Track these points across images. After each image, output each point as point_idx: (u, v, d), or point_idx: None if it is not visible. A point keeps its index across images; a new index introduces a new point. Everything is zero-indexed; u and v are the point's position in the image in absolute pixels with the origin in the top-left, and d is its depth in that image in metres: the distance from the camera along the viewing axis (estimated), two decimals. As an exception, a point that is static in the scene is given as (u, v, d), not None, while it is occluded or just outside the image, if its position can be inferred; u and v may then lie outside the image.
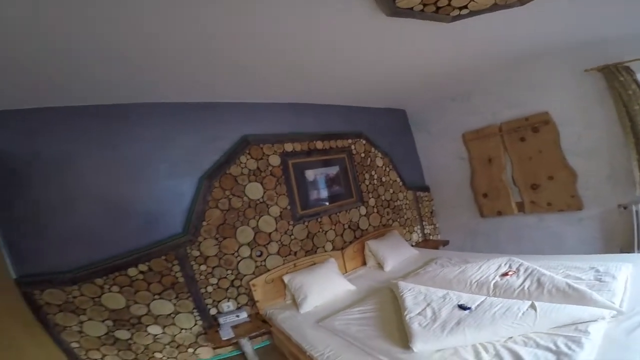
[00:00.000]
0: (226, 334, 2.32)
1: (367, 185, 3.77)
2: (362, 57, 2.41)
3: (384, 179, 3.96)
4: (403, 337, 1.69)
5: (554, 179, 3.36)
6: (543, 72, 3.11)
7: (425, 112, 4.30)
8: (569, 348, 1.30)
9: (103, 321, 2.24)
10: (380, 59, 2.52)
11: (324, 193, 3.39)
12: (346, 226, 3.48)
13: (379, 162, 3.96)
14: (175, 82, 2.33)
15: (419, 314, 1.83)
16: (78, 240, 2.24)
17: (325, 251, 3.23)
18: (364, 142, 3.84)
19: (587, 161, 3.05)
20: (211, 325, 2.55)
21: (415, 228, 4.23)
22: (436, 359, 1.48)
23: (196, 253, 2.58)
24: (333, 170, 3.48)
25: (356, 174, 3.67)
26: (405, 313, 1.86)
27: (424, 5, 1.66)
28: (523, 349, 1.39)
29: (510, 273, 2.19)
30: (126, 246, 2.36)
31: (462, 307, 1.83)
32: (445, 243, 4.08)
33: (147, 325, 2.36)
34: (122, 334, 2.29)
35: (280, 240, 2.99)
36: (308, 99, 3.34)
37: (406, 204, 4.17)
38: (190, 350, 2.51)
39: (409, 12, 1.71)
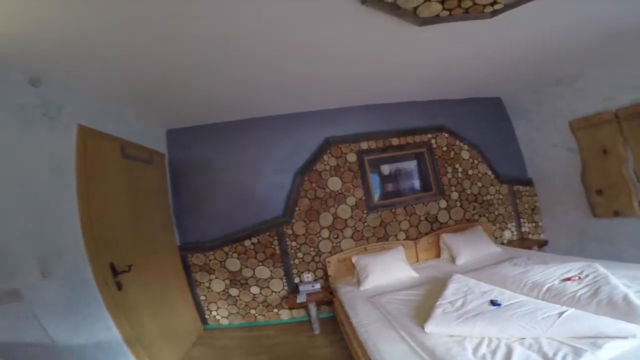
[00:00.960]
0: (301, 298, 3.00)
1: (450, 179, 3.78)
2: (421, 60, 2.60)
3: (470, 172, 3.85)
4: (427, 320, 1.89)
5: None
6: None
7: (524, 98, 3.88)
8: (563, 359, 1.30)
9: (223, 280, 3.27)
10: (446, 57, 2.61)
11: (400, 186, 3.64)
12: (422, 218, 3.64)
13: (465, 154, 3.86)
14: (280, 100, 3.10)
15: (450, 302, 1.98)
16: (215, 219, 3.31)
17: (398, 239, 3.52)
18: (446, 135, 3.84)
19: None
20: (293, 291, 3.28)
21: (509, 225, 3.92)
22: (443, 342, 1.63)
23: (289, 232, 3.35)
24: (410, 165, 3.68)
25: (437, 167, 3.73)
26: (439, 299, 2.04)
27: (450, 10, 1.79)
28: (522, 349, 1.43)
29: (573, 278, 2.04)
30: (244, 224, 3.32)
31: (493, 303, 1.87)
32: (542, 243, 3.67)
33: (250, 286, 3.29)
34: (233, 292, 3.29)
35: (354, 226, 3.47)
36: (385, 100, 3.61)
37: (499, 198, 3.91)
38: (275, 310, 3.32)
39: (437, 19, 1.87)
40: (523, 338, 1.53)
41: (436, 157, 3.75)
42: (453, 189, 3.77)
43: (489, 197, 3.88)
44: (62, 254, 1.93)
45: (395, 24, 1.92)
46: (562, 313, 1.57)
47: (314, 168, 3.45)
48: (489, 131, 4.00)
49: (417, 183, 3.70)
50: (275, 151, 3.43)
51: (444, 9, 1.78)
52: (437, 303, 2.01)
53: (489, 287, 2.16)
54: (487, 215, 3.84)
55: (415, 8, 1.76)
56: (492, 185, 3.91)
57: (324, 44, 2.11)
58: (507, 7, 1.81)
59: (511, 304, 1.81)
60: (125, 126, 2.68)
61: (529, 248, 3.47)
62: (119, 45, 1.81)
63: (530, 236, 3.97)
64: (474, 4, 1.77)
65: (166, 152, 3.28)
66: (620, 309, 1.56)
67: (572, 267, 2.21)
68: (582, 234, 3.55)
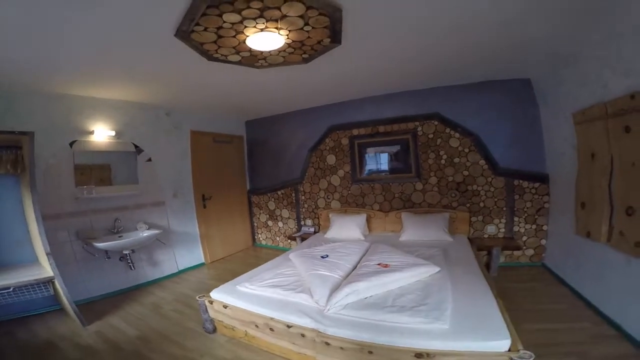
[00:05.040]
0: (297, 234, 4.60)
1: (430, 164, 3.83)
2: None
3: (456, 160, 3.68)
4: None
5: (654, 209, 1.92)
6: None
7: (548, 80, 3.07)
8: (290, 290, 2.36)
9: (266, 214, 5.31)
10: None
11: (381, 166, 4.19)
12: (396, 196, 4.07)
13: (454, 142, 3.68)
14: (305, 99, 4.28)
15: (317, 249, 3.14)
16: (266, 175, 5.28)
17: (372, 209, 4.22)
18: (435, 123, 3.77)
19: None
20: (299, 230, 4.88)
21: (496, 220, 3.54)
22: (286, 264, 2.89)
23: (301, 189, 4.88)
24: (393, 149, 4.06)
25: (419, 153, 3.88)
26: (319, 247, 3.23)
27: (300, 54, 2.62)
28: (293, 279, 2.51)
29: (382, 265, 2.54)
30: (279, 180, 5.10)
31: (322, 257, 2.88)
32: (512, 247, 3.32)
33: (278, 221, 5.17)
34: (270, 223, 5.28)
35: (341, 192, 4.49)
36: (379, 92, 4.02)
37: (489, 191, 3.55)
38: (289, 241, 5.00)
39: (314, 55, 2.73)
40: (301, 278, 2.55)
41: (420, 143, 3.87)
42: (432, 174, 3.84)
43: (476, 187, 3.62)
44: (182, 187, 4.50)
45: (286, 67, 2.86)
46: (320, 274, 2.44)
47: (319, 148, 4.63)
48: (503, 118, 3.51)
49: (397, 165, 4.07)
50: (298, 134, 4.84)
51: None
52: (316, 247, 3.22)
53: (350, 252, 3.02)
54: (468, 205, 3.67)
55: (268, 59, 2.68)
56: (482, 175, 3.58)
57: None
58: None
59: (327, 261, 2.75)
60: (215, 124, 4.98)
61: (487, 250, 3.33)
62: (209, 95, 3.82)
63: (524, 239, 3.45)
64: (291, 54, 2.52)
65: (244, 134, 5.47)
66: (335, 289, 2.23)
67: (413, 262, 2.57)
68: (566, 250, 2.94)
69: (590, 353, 1.96)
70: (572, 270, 2.85)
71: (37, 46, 2.11)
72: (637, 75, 1.98)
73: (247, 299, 2.38)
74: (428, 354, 1.62)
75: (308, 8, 1.80)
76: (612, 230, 2.28)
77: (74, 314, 2.67)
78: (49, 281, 2.60)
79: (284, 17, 1.88)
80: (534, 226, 3.44)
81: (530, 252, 3.45)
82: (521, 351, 1.52)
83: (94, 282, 3.40)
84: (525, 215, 3.46)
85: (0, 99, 2.78)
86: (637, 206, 2.04)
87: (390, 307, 2.02)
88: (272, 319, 2.13)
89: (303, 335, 1.95)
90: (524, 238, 3.49)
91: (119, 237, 3.48)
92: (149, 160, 4.09)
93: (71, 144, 3.29)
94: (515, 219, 3.50)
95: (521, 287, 3.01)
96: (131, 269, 3.61)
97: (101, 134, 3.52)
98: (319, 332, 1.92)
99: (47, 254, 2.51)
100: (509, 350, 1.57)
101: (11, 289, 2.37)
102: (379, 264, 2.60)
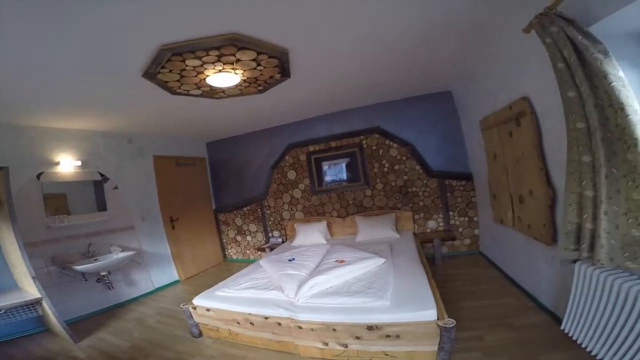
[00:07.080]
0: (267, 245, 4.83)
1: (376, 172, 4.33)
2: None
3: (397, 167, 4.22)
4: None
5: (533, 195, 2.50)
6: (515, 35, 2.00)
7: (462, 92, 3.72)
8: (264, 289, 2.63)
9: (234, 230, 5.45)
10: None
11: (335, 177, 4.61)
12: (350, 202, 4.51)
13: (393, 152, 4.23)
14: (263, 120, 4.60)
15: (285, 254, 3.42)
16: (231, 193, 5.43)
17: (332, 216, 4.61)
18: (377, 136, 4.29)
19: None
20: (267, 241, 5.11)
21: (435, 216, 4.11)
22: (259, 269, 3.15)
23: (266, 204, 5.12)
24: (344, 162, 4.52)
25: (365, 163, 4.37)
26: (287, 252, 3.52)
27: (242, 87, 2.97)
28: (263, 281, 2.78)
29: (339, 261, 2.90)
30: (244, 197, 5.29)
31: (289, 260, 3.17)
32: (449, 238, 3.86)
33: (247, 236, 5.34)
34: (239, 238, 5.44)
35: (303, 204, 4.83)
36: (331, 110, 4.44)
37: (426, 191, 4.12)
38: (259, 252, 5.18)
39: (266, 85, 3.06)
40: (272, 279, 2.85)
41: (365, 154, 4.36)
42: (378, 180, 4.33)
43: (414, 189, 4.18)
44: (150, 210, 4.52)
45: (244, 97, 3.24)
46: (288, 273, 2.75)
47: (279, 165, 4.94)
48: (432, 127, 4.09)
49: (348, 175, 4.53)
50: (258, 153, 5.11)
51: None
52: (283, 253, 3.50)
53: (313, 254, 3.33)
54: (410, 205, 4.21)
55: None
56: (418, 178, 4.15)
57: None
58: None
59: (293, 262, 3.07)
60: (177, 148, 5.07)
61: (430, 241, 3.86)
62: (170, 122, 4.01)
63: (461, 230, 4.04)
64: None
65: (207, 155, 5.63)
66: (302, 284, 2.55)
67: (363, 256, 2.97)
68: (492, 236, 3.54)
69: (514, 323, 2.29)
70: (498, 254, 3.41)
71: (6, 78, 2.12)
72: (512, 89, 2.55)
73: (226, 301, 2.61)
74: (377, 326, 1.98)
75: (259, 53, 2.16)
76: (514, 216, 2.85)
77: (65, 332, 2.79)
78: (37, 302, 2.72)
79: (238, 60, 2.22)
80: (466, 218, 4.02)
81: (468, 241, 4.01)
82: (446, 319, 1.90)
83: (74, 304, 3.41)
84: (458, 209, 4.04)
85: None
86: (524, 195, 2.61)
87: (345, 292, 2.37)
88: (250, 314, 2.39)
89: (279, 324, 2.22)
90: (460, 229, 4.06)
91: (95, 260, 3.52)
92: (116, 187, 4.13)
93: (38, 176, 3.30)
94: (451, 213, 4.07)
95: (461, 273, 3.48)
96: (110, 288, 3.68)
97: (67, 164, 3.55)
98: (292, 318, 2.21)
99: (33, 278, 2.66)
100: (437, 319, 1.94)
101: (2, 311, 2.48)
102: (336, 261, 2.96)
